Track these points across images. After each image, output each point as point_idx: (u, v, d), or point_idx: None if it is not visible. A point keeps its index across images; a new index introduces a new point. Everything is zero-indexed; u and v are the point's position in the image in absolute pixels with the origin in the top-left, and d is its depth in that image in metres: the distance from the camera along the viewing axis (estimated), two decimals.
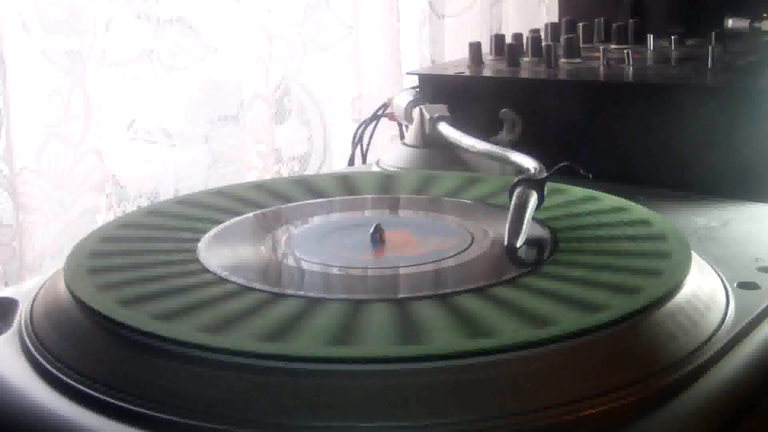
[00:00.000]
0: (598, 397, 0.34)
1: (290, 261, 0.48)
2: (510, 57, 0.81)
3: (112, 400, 0.35)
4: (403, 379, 0.34)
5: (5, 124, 0.77)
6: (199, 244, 0.48)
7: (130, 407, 0.35)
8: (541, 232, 0.49)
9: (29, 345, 0.41)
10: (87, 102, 0.83)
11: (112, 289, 0.42)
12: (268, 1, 0.98)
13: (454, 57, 1.06)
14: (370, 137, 0.88)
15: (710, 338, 0.39)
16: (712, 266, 0.47)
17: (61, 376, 0.38)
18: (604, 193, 0.55)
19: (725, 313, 0.42)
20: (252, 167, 0.98)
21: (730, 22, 0.88)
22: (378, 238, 0.49)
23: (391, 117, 0.83)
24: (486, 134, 0.69)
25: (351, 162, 0.89)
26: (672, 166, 0.67)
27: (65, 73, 0.81)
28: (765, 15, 0.86)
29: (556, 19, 1.05)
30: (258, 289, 0.42)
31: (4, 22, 0.76)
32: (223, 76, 0.97)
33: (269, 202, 0.56)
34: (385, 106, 0.86)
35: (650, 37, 0.86)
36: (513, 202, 0.49)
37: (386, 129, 0.97)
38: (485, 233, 0.50)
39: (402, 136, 0.81)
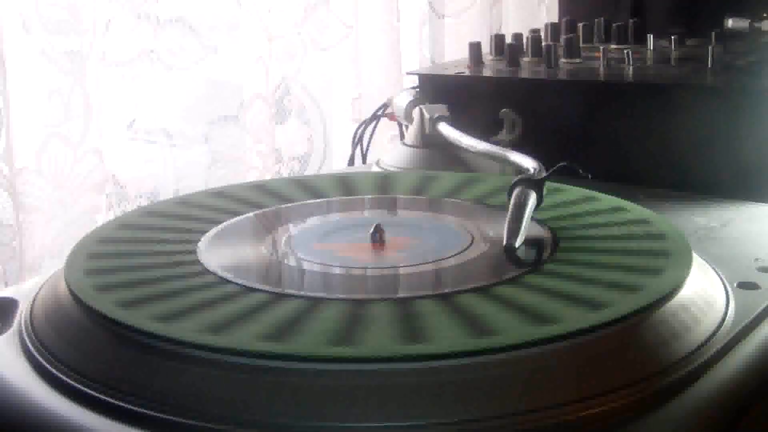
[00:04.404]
0: (598, 397, 0.34)
1: (290, 261, 0.48)
2: (510, 57, 0.81)
3: (112, 400, 0.35)
4: (403, 378, 0.34)
5: (5, 124, 0.77)
6: (199, 244, 0.48)
7: (130, 407, 0.35)
8: (541, 232, 0.49)
9: (29, 345, 0.41)
10: (87, 102, 0.83)
11: (111, 289, 0.42)
12: (268, 1, 0.98)
13: (454, 57, 1.06)
14: (370, 137, 0.88)
15: (710, 338, 0.39)
16: (712, 266, 0.47)
17: (61, 376, 0.38)
18: (602, 194, 0.55)
19: (725, 313, 0.42)
20: (252, 167, 0.98)
21: (730, 22, 0.88)
22: (378, 238, 0.49)
23: (391, 117, 0.83)
24: (486, 134, 0.69)
25: (351, 162, 0.89)
26: (672, 166, 0.67)
27: (65, 73, 0.81)
28: (765, 15, 0.86)
29: (556, 19, 1.05)
30: (258, 290, 0.42)
31: (4, 22, 0.76)
32: (223, 76, 0.97)
33: (267, 202, 0.56)
34: (385, 106, 0.86)
35: (650, 37, 0.86)
36: (512, 202, 0.49)
37: (386, 129, 0.97)
38: (485, 233, 0.50)
39: (402, 136, 0.81)
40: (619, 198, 0.54)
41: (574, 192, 0.56)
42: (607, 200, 0.54)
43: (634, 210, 0.52)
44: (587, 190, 0.56)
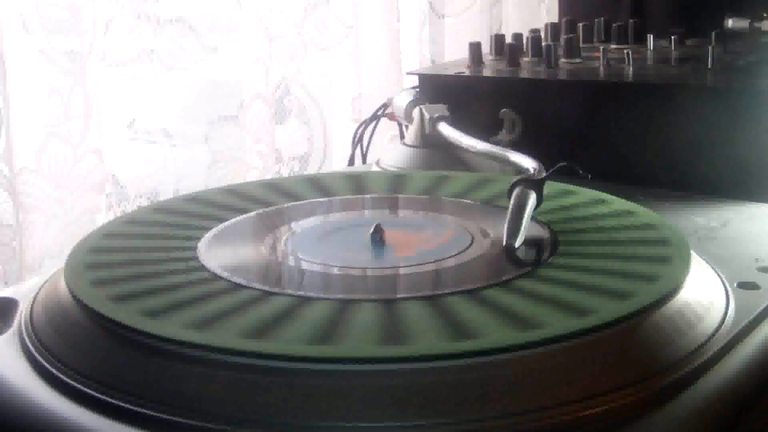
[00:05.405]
0: (598, 397, 0.34)
1: (288, 260, 0.48)
2: (510, 57, 0.81)
3: (112, 400, 0.35)
4: (402, 379, 0.34)
5: (5, 124, 0.77)
6: (200, 243, 0.48)
7: (130, 407, 0.35)
8: (541, 233, 0.49)
9: (29, 345, 0.41)
10: (87, 102, 0.83)
11: (108, 288, 0.42)
12: (268, 1, 0.98)
13: (454, 57, 1.06)
14: (370, 137, 0.88)
15: (710, 338, 0.39)
16: (712, 266, 0.47)
17: (61, 376, 0.38)
18: (611, 195, 0.55)
19: (725, 313, 0.42)
20: (252, 167, 0.98)
21: (730, 22, 0.88)
22: (378, 238, 0.49)
23: (391, 117, 0.83)
24: (486, 134, 0.69)
25: (351, 162, 0.89)
26: (672, 166, 0.67)
27: (65, 73, 0.81)
28: (765, 15, 0.86)
29: (556, 19, 1.05)
30: (256, 288, 0.42)
31: (4, 22, 0.76)
32: (223, 76, 0.97)
33: (278, 200, 0.56)
34: (385, 106, 0.86)
35: (650, 37, 0.86)
36: (512, 203, 0.49)
37: (386, 129, 0.97)
38: (485, 234, 0.50)
39: (402, 136, 0.81)
40: (626, 201, 0.54)
41: (583, 194, 0.55)
42: (616, 203, 0.54)
43: (633, 209, 0.52)
44: (596, 192, 0.56)
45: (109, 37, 0.86)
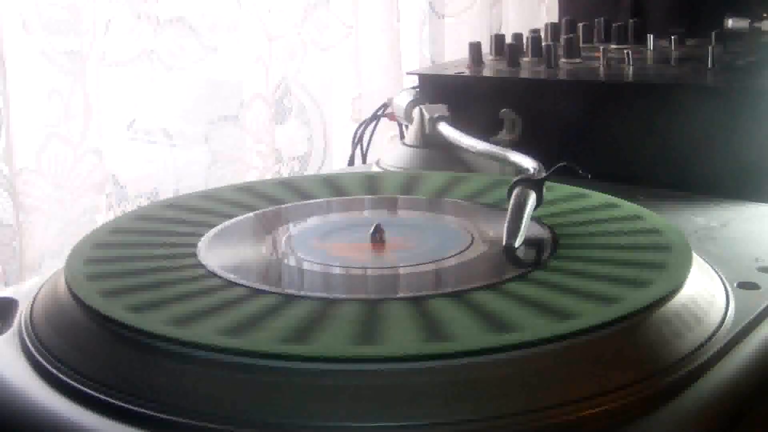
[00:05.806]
0: (598, 397, 0.34)
1: (285, 259, 0.48)
2: (510, 57, 0.81)
3: (112, 400, 0.35)
4: (403, 378, 0.34)
5: (5, 124, 0.77)
6: (199, 245, 0.48)
7: (130, 407, 0.35)
8: (542, 233, 0.49)
9: (29, 345, 0.41)
10: (87, 102, 0.83)
11: (112, 290, 0.42)
12: (268, 1, 0.98)
13: (454, 57, 1.06)
14: (370, 137, 0.88)
15: (710, 338, 0.39)
16: (712, 266, 0.47)
17: (61, 376, 0.38)
18: (622, 200, 0.55)
19: (725, 313, 0.42)
20: (252, 167, 0.98)
21: (730, 22, 0.88)
22: (377, 238, 0.49)
23: (391, 117, 0.83)
24: (486, 134, 0.69)
25: (351, 162, 0.89)
26: (672, 166, 0.67)
27: (65, 73, 0.81)
28: (765, 15, 0.86)
29: (556, 19, 1.05)
30: (263, 291, 0.42)
31: (4, 22, 0.76)
32: (223, 76, 0.97)
33: (257, 204, 0.56)
34: (385, 106, 0.86)
35: (650, 37, 0.86)
36: (511, 202, 0.49)
37: (386, 129, 0.97)
38: (485, 233, 0.50)
39: (402, 136, 0.81)
40: (635, 205, 0.54)
41: (594, 197, 0.55)
42: (599, 197, 0.54)
43: (633, 209, 0.52)
44: (606, 195, 0.55)
45: (109, 37, 0.86)
